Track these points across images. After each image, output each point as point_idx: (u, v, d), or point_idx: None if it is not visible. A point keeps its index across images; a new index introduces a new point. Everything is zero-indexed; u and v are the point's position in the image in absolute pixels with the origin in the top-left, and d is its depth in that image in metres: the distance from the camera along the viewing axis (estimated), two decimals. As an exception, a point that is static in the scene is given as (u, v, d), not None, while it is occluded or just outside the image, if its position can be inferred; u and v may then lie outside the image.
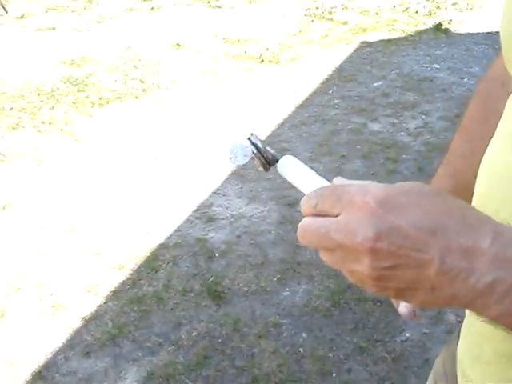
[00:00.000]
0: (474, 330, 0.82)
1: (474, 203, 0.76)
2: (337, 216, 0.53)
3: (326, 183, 0.65)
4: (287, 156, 0.75)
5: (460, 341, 0.88)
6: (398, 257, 0.50)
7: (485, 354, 0.77)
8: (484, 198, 0.73)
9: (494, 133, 0.94)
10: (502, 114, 0.94)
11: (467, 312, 0.82)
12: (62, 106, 4.40)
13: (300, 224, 0.56)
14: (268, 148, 0.76)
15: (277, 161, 0.76)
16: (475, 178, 0.91)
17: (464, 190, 0.84)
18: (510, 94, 0.89)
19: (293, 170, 0.73)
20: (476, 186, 0.78)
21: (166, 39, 5.62)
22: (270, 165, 0.76)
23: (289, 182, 0.73)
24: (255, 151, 0.76)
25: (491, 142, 0.75)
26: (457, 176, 0.98)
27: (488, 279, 0.48)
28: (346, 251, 0.52)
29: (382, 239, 0.50)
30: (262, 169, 0.77)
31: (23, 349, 2.46)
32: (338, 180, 0.62)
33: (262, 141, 0.76)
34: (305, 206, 0.56)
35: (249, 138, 0.76)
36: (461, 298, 0.50)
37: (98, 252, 2.98)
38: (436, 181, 1.03)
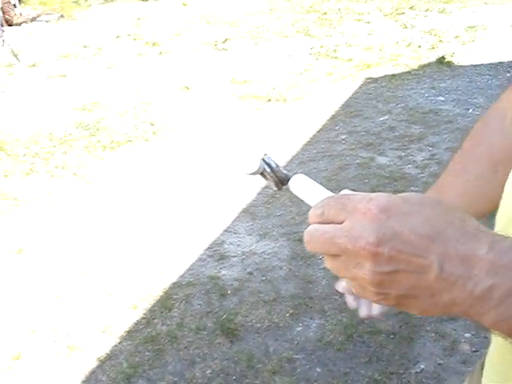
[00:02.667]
0: (496, 359, 0.83)
1: (497, 228, 0.78)
2: (341, 223, 0.55)
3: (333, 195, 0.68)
4: (299, 174, 0.78)
5: (484, 370, 0.89)
6: (399, 262, 0.52)
7: (510, 382, 0.78)
8: (509, 221, 0.75)
9: (484, 157, 0.98)
10: (493, 143, 0.98)
11: (492, 340, 0.84)
12: (75, 151, 4.49)
13: (306, 230, 0.58)
14: (281, 168, 0.79)
15: (289, 180, 0.78)
16: (460, 196, 0.95)
17: None
18: (511, 128, 0.94)
19: (304, 187, 0.75)
20: (500, 209, 0.80)
21: (175, 82, 5.74)
22: (282, 184, 0.79)
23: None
24: (269, 170, 0.78)
25: None
26: (443, 191, 1.00)
27: (485, 285, 0.50)
28: (349, 256, 0.54)
29: (384, 244, 0.51)
30: (275, 188, 0.79)
31: (39, 391, 2.48)
32: (345, 192, 0.65)
33: (275, 161, 0.79)
34: (312, 214, 0.58)
35: (263, 158, 0.79)
36: (459, 304, 0.52)
37: (112, 293, 3.01)
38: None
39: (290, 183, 0.78)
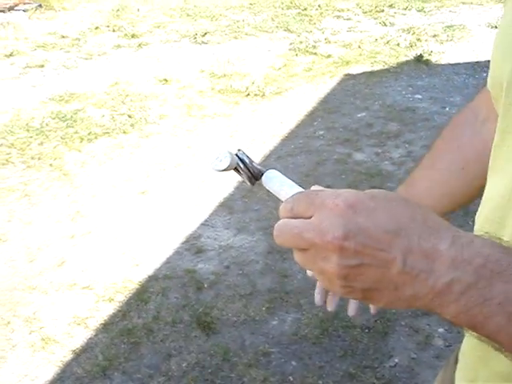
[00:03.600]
0: (468, 354, 0.85)
1: (476, 226, 0.80)
2: (310, 218, 0.57)
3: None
4: (271, 170, 0.79)
5: (458, 365, 0.91)
6: (364, 256, 0.53)
7: (480, 377, 0.80)
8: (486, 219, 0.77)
9: (453, 154, 1.00)
10: (464, 141, 1.00)
11: (465, 337, 0.86)
12: (51, 142, 4.45)
13: (276, 225, 0.60)
14: (254, 163, 0.81)
15: (262, 175, 0.80)
16: (427, 190, 0.97)
17: (413, 198, 0.90)
18: (482, 127, 0.96)
19: (276, 181, 0.77)
20: (480, 206, 0.81)
21: (153, 75, 5.71)
22: (255, 179, 0.81)
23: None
24: (242, 166, 0.80)
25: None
26: (413, 185, 1.03)
27: (446, 279, 0.52)
28: (316, 250, 0.55)
29: (350, 238, 0.53)
30: (248, 183, 0.81)
31: (13, 383, 2.46)
32: (315, 187, 0.67)
33: (248, 156, 0.81)
34: (282, 209, 0.60)
35: (236, 154, 0.80)
36: (422, 297, 0.53)
37: (88, 285, 3.00)
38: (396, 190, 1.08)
39: (263, 178, 0.80)
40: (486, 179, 0.87)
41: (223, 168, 0.78)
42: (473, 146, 0.97)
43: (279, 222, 0.60)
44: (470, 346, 0.84)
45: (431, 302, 0.53)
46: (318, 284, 0.95)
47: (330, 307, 0.92)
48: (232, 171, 0.81)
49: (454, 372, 0.92)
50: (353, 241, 0.53)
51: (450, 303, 0.53)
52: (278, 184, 0.76)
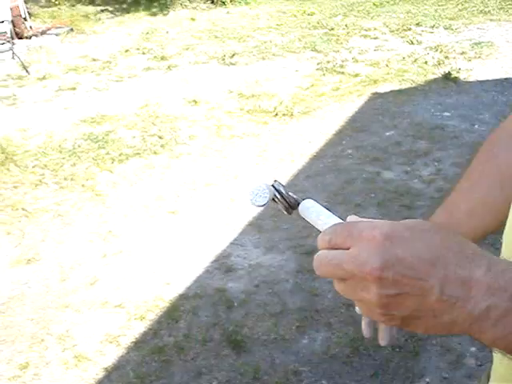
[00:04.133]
0: (498, 375, 0.86)
1: (503, 246, 0.81)
2: (348, 249, 0.59)
3: (340, 221, 0.71)
4: (308, 199, 0.81)
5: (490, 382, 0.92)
6: (403, 285, 0.55)
7: None
8: None
9: (490, 174, 1.00)
10: (501, 160, 1.00)
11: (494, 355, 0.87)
12: (83, 163, 4.54)
13: (316, 256, 0.61)
14: (291, 193, 0.83)
15: (298, 204, 0.82)
16: (466, 214, 0.97)
17: (456, 224, 0.90)
18: None
19: (312, 211, 0.79)
20: (506, 227, 0.83)
21: (183, 96, 5.79)
22: (292, 208, 0.83)
23: (307, 228, 0.80)
24: (279, 196, 0.82)
25: None
26: (451, 210, 1.02)
27: (483, 306, 0.53)
28: (356, 280, 0.58)
29: (388, 269, 0.55)
30: (285, 212, 0.83)
31: (47, 400, 2.50)
32: (352, 217, 0.69)
33: (284, 186, 0.83)
34: (320, 240, 0.62)
35: (272, 185, 0.83)
36: (460, 323, 0.55)
37: (120, 303, 3.04)
38: (434, 214, 1.08)
39: (300, 208, 0.82)
40: None
41: (264, 203, 0.80)
42: (509, 164, 0.98)
43: (319, 253, 0.62)
44: (502, 365, 0.84)
45: (469, 328, 0.55)
46: (363, 316, 0.96)
47: (383, 341, 0.93)
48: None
49: None
50: (391, 271, 0.55)
51: (488, 329, 0.54)
52: (315, 214, 0.78)
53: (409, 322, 0.58)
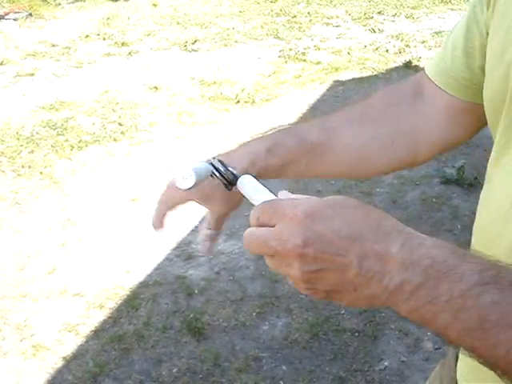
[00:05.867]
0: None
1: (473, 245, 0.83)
2: (274, 226, 0.61)
3: (273, 197, 0.72)
4: (246, 175, 0.82)
5: (459, 362, 0.94)
6: (323, 261, 0.58)
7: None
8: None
9: (389, 121, 0.97)
10: (403, 114, 0.96)
11: None
12: (42, 150, 4.46)
13: (245, 233, 0.64)
14: (231, 168, 0.83)
15: (237, 180, 0.83)
16: (344, 146, 0.94)
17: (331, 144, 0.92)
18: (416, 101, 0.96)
19: (249, 187, 0.79)
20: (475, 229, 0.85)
21: (144, 82, 5.73)
22: (231, 184, 0.83)
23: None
24: (217, 174, 0.83)
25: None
26: (328, 134, 0.95)
27: (397, 280, 0.56)
28: (280, 257, 0.61)
29: (309, 246, 0.58)
30: (225, 189, 0.84)
31: (4, 391, 2.46)
32: (283, 193, 0.70)
33: (223, 164, 0.83)
34: (251, 218, 0.65)
35: (211, 163, 0.83)
36: (378, 297, 0.58)
37: (78, 292, 3.00)
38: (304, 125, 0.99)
39: (238, 184, 0.82)
40: (410, 156, 0.92)
41: (187, 187, 0.79)
42: (409, 122, 0.96)
43: (247, 231, 0.64)
44: None
45: (387, 300, 0.57)
46: (201, 233, 0.97)
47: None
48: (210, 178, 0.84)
49: (455, 370, 0.94)
50: (312, 248, 0.58)
51: (403, 302, 0.56)
52: (252, 190, 0.79)
53: (332, 296, 0.61)
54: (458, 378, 0.92)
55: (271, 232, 0.61)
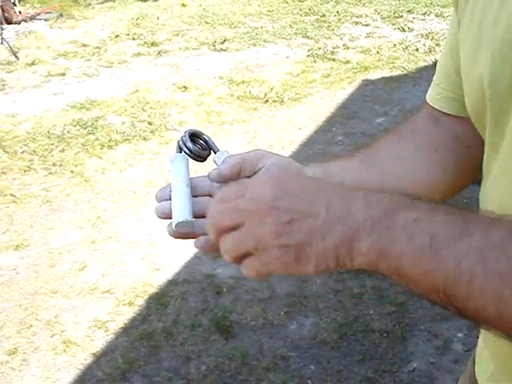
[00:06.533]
0: (483, 355, 0.89)
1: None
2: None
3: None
4: (179, 154, 0.88)
5: (476, 364, 0.93)
6: (294, 211, 0.62)
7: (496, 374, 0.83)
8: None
9: (422, 140, 0.96)
10: (431, 134, 0.96)
11: (479, 339, 0.89)
12: (72, 149, 4.51)
13: (210, 209, 0.68)
14: (205, 136, 0.90)
15: (209, 155, 0.91)
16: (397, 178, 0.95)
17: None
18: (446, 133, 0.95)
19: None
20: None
21: (173, 82, 5.76)
22: (200, 157, 0.91)
23: None
24: (186, 151, 0.89)
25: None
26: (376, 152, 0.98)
27: (361, 217, 0.60)
28: (251, 219, 0.64)
29: (280, 199, 0.63)
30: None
31: (35, 385, 2.50)
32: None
33: (193, 140, 0.89)
34: (219, 199, 0.69)
35: (181, 137, 0.88)
36: (345, 237, 0.60)
37: (108, 289, 3.03)
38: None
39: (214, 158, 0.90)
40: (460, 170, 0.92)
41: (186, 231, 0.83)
42: (439, 138, 0.95)
43: (213, 207, 0.68)
44: (485, 346, 0.86)
45: (351, 244, 0.60)
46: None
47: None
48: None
49: (474, 374, 0.94)
50: (282, 201, 0.63)
51: (365, 237, 0.60)
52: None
53: (302, 252, 0.62)
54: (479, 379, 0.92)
55: (242, 198, 0.65)
